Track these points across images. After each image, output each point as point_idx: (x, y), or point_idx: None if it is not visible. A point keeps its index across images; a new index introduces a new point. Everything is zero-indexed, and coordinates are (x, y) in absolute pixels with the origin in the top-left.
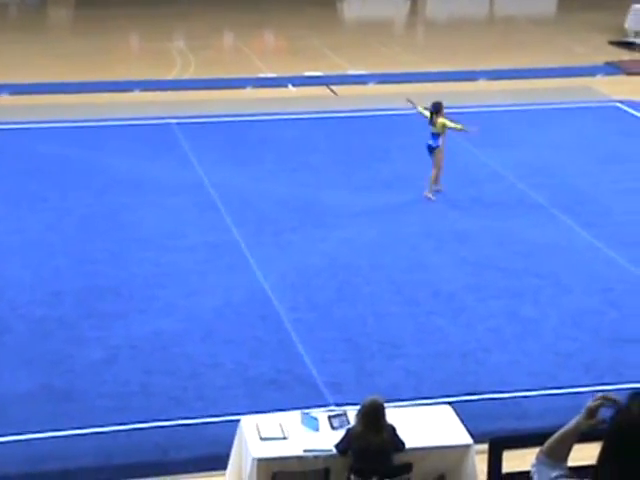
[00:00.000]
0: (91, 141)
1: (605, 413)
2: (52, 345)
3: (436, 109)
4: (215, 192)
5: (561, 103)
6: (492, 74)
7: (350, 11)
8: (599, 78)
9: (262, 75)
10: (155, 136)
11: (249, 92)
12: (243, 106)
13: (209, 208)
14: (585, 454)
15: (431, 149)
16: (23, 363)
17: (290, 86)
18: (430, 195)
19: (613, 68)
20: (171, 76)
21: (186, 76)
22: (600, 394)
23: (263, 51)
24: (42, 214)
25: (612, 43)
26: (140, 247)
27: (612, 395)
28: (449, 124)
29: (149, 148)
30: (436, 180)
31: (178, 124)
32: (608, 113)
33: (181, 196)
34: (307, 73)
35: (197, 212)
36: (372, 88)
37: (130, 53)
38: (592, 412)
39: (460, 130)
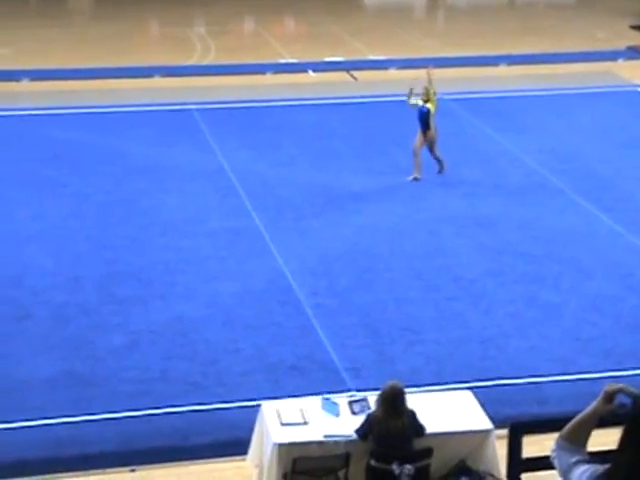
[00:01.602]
0: (111, 127)
1: (623, 399)
2: (73, 331)
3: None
4: (235, 177)
5: (582, 88)
6: (513, 59)
7: None
8: (620, 63)
9: (282, 60)
10: (175, 122)
11: (269, 77)
12: (263, 91)
13: (229, 193)
14: (606, 439)
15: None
16: (44, 349)
17: (310, 71)
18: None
19: (635, 53)
20: (191, 62)
21: (206, 62)
22: (622, 384)
23: (283, 36)
24: (62, 200)
25: (634, 28)
26: (160, 233)
27: (633, 389)
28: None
29: (169, 134)
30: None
31: (198, 110)
32: (629, 98)
33: (201, 181)
34: (327, 58)
35: (217, 197)
36: (392, 73)
37: (150, 39)
38: (610, 397)
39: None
